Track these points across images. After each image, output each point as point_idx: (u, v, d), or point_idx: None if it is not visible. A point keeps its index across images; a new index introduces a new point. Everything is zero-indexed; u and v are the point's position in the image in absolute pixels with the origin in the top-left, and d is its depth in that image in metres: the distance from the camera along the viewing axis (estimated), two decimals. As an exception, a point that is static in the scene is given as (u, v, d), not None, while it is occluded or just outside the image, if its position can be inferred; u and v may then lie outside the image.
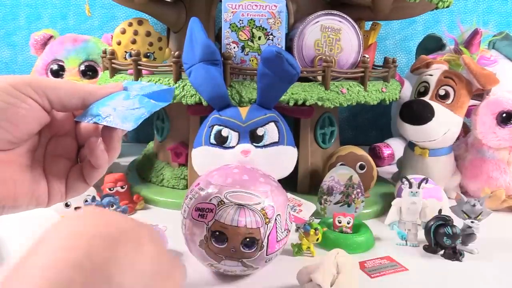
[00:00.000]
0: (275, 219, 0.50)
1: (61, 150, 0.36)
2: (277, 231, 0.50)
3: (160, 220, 0.62)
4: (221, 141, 0.67)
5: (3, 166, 0.32)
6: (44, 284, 0.21)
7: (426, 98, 0.82)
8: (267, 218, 0.49)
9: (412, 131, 0.82)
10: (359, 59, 0.77)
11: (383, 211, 0.77)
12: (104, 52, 0.84)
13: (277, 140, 0.67)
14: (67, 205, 0.65)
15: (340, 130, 0.93)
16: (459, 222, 0.63)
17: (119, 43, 0.81)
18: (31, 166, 0.34)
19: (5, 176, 0.32)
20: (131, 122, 0.34)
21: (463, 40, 0.95)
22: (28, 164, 0.34)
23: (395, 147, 1.11)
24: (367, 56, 0.77)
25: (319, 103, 0.71)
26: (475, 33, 0.92)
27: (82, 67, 1.02)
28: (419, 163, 0.85)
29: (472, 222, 0.62)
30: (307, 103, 0.71)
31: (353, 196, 0.71)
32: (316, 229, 0.61)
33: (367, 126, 1.34)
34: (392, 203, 0.68)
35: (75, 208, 0.65)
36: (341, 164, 0.76)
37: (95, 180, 0.37)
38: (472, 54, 0.92)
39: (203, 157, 0.69)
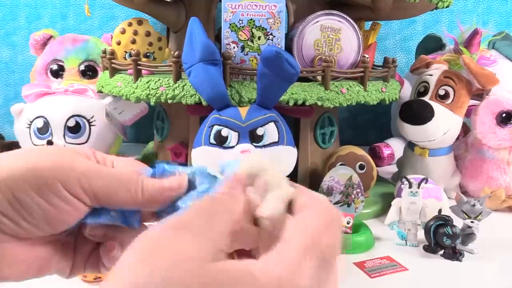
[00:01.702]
0: (275, 219, 0.50)
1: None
2: (276, 231, 0.50)
3: (160, 220, 0.62)
4: (220, 141, 0.67)
5: (33, 250, 0.28)
6: None
7: (426, 98, 0.82)
8: (267, 218, 0.49)
9: (412, 131, 0.82)
10: (358, 59, 0.77)
11: (383, 211, 0.77)
12: (104, 52, 0.84)
13: (277, 140, 0.67)
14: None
15: (340, 130, 0.93)
16: (459, 222, 0.63)
17: (118, 43, 0.81)
18: (63, 244, 0.30)
19: (33, 259, 0.28)
20: None
21: (463, 40, 0.95)
22: (61, 242, 0.30)
23: (395, 147, 1.11)
24: (367, 56, 0.77)
25: (319, 103, 0.71)
26: (475, 33, 0.92)
27: (82, 67, 1.02)
28: (419, 163, 0.85)
29: (472, 222, 0.62)
30: (307, 103, 0.71)
31: (353, 196, 0.71)
32: (316, 229, 0.61)
33: (367, 126, 1.34)
34: (392, 203, 0.68)
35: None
36: (341, 164, 0.76)
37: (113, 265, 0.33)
38: (472, 54, 0.92)
39: (203, 157, 0.68)
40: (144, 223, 0.31)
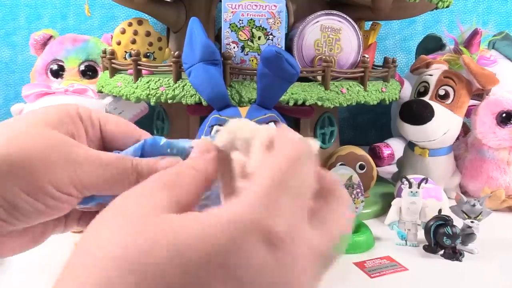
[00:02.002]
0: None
1: None
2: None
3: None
4: (221, 141, 0.67)
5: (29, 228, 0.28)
6: None
7: (426, 98, 0.82)
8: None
9: (412, 131, 0.82)
10: (359, 59, 0.77)
11: (383, 211, 0.76)
12: (104, 52, 0.84)
13: (277, 140, 0.67)
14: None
15: (340, 130, 0.93)
16: (459, 222, 0.63)
17: (118, 43, 0.81)
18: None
19: (31, 234, 0.28)
20: None
21: (463, 40, 0.95)
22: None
23: (395, 147, 1.11)
24: (367, 56, 0.77)
25: (319, 103, 0.71)
26: (475, 33, 0.92)
27: (82, 67, 1.02)
28: (419, 163, 0.85)
29: (472, 222, 0.62)
30: (307, 103, 0.71)
31: (353, 196, 0.71)
32: (316, 229, 0.61)
33: (367, 126, 1.34)
34: (392, 203, 0.68)
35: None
36: (341, 164, 0.76)
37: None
38: (472, 54, 0.92)
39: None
40: None
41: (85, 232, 0.19)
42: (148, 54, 0.82)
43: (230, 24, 0.71)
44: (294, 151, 0.21)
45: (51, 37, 1.06)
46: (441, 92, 0.82)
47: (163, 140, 0.30)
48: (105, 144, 0.30)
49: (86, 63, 1.03)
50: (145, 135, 0.31)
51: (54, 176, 0.25)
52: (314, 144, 0.24)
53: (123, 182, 0.27)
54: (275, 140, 0.23)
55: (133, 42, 0.81)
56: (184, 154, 0.29)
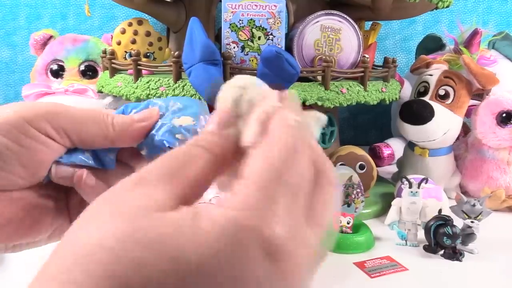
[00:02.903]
0: (275, 219, 0.50)
1: None
2: (277, 231, 0.50)
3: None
4: (221, 141, 0.67)
5: (14, 204, 0.26)
6: None
7: (426, 98, 0.82)
8: (267, 218, 0.49)
9: (412, 131, 0.82)
10: (359, 59, 0.77)
11: (383, 211, 0.76)
12: (104, 52, 0.84)
13: (277, 140, 0.67)
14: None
15: (340, 130, 0.93)
16: (459, 222, 0.63)
17: (119, 43, 0.81)
18: (55, 200, 0.29)
19: (19, 214, 0.27)
20: None
21: (463, 40, 0.95)
22: (51, 198, 0.29)
23: (395, 147, 1.11)
24: (367, 56, 0.77)
25: (319, 103, 0.71)
26: (475, 33, 0.92)
27: (82, 67, 1.02)
28: (419, 163, 0.85)
29: (472, 222, 0.62)
30: (307, 103, 0.71)
31: (353, 196, 0.71)
32: (316, 229, 0.61)
33: (367, 126, 1.34)
34: (392, 203, 0.68)
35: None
36: (341, 164, 0.76)
37: None
38: (472, 54, 0.92)
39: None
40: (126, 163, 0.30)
41: (74, 222, 0.18)
42: (148, 54, 0.82)
43: (230, 24, 0.71)
44: (290, 139, 0.19)
45: (51, 37, 1.06)
46: (441, 92, 0.82)
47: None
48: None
49: (86, 63, 1.03)
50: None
51: (29, 116, 0.25)
52: (316, 116, 0.22)
53: (100, 124, 0.27)
54: (272, 119, 0.20)
55: (133, 42, 0.81)
56: (169, 104, 0.30)
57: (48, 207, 0.28)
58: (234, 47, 0.72)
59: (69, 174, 0.28)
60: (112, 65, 0.80)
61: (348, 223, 0.65)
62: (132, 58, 0.75)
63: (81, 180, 0.27)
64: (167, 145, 0.28)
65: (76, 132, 0.27)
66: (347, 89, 0.73)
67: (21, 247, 0.28)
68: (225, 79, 0.69)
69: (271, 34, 0.72)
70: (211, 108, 0.71)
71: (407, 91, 0.98)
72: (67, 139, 0.27)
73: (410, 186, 0.66)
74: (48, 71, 1.03)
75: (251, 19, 0.71)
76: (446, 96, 0.82)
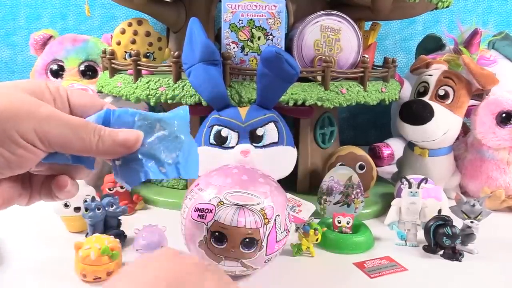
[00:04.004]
0: (275, 220, 0.50)
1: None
2: (276, 232, 0.50)
3: (160, 220, 0.62)
4: (220, 142, 0.67)
5: None
6: None
7: (426, 98, 0.82)
8: (267, 218, 0.49)
9: (412, 131, 0.82)
10: (358, 59, 0.77)
11: (383, 211, 0.77)
12: (104, 52, 0.84)
13: (276, 140, 0.67)
14: (66, 205, 0.65)
15: (340, 130, 0.93)
16: (458, 222, 0.63)
17: (118, 43, 0.81)
18: (21, 179, 0.33)
19: None
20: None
21: (463, 40, 0.95)
22: (19, 180, 0.33)
23: (394, 147, 1.11)
24: (366, 56, 0.77)
25: (319, 103, 0.71)
26: (475, 33, 0.92)
27: (82, 67, 1.02)
28: (418, 163, 0.85)
29: (471, 222, 0.62)
30: (307, 103, 0.71)
31: (353, 196, 0.71)
32: (315, 229, 0.61)
33: (367, 126, 1.34)
34: (392, 203, 0.68)
35: (74, 209, 0.65)
36: (340, 164, 0.76)
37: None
38: (472, 54, 0.92)
39: (202, 157, 0.68)
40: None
41: None
42: (148, 54, 0.82)
43: (230, 24, 0.71)
44: None
45: (51, 37, 1.06)
46: (441, 92, 0.82)
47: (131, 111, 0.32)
48: (73, 114, 0.32)
49: (86, 63, 1.03)
50: (108, 106, 0.33)
51: (21, 127, 0.27)
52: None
53: (84, 141, 0.29)
54: None
55: (133, 42, 0.81)
56: (155, 127, 0.31)
57: (16, 185, 0.32)
58: (233, 47, 0.72)
59: (45, 169, 0.32)
60: (112, 65, 0.80)
61: (347, 223, 0.65)
62: (132, 58, 0.75)
63: (63, 188, 0.32)
64: (150, 177, 0.30)
65: (61, 146, 0.29)
66: (347, 89, 0.73)
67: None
68: (225, 79, 0.69)
69: (271, 34, 0.72)
70: (210, 109, 0.71)
71: (406, 91, 0.98)
72: (51, 149, 0.29)
73: (410, 186, 0.66)
74: (48, 71, 1.03)
75: (250, 19, 0.71)
76: (445, 96, 0.82)
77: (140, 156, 0.31)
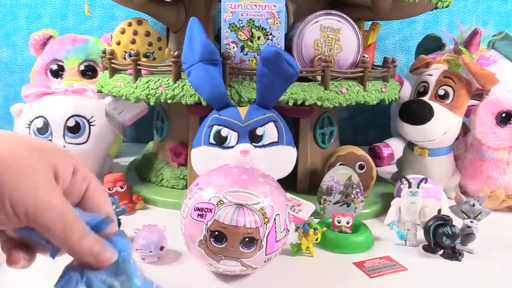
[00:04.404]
0: (274, 219, 0.50)
1: None
2: (276, 231, 0.50)
3: (160, 220, 0.62)
4: (220, 141, 0.67)
5: None
6: None
7: (426, 98, 0.82)
8: (266, 218, 0.49)
9: (412, 131, 0.82)
10: (358, 59, 0.77)
11: (383, 211, 0.77)
12: (104, 52, 0.84)
13: (276, 140, 0.67)
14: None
15: (340, 130, 0.93)
16: (458, 222, 0.63)
17: (118, 43, 0.81)
18: None
19: None
20: None
21: (463, 40, 0.95)
22: None
23: (394, 147, 1.11)
24: (366, 56, 0.77)
25: (319, 103, 0.71)
26: (475, 33, 0.92)
27: (82, 67, 1.02)
28: (418, 163, 0.85)
29: (471, 222, 0.62)
30: (307, 103, 0.71)
31: (353, 196, 0.71)
32: (315, 229, 0.61)
33: (367, 126, 1.34)
34: (392, 203, 0.68)
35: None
36: (340, 164, 0.76)
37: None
38: (472, 54, 0.92)
39: (202, 157, 0.69)
40: None
41: None
42: (147, 54, 0.82)
43: (230, 24, 0.71)
44: None
45: (50, 37, 1.06)
46: (441, 92, 0.82)
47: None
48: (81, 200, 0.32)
49: (85, 63, 1.03)
50: (110, 214, 0.32)
51: (15, 196, 0.26)
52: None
53: (66, 235, 0.28)
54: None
55: (133, 42, 0.81)
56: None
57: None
58: (233, 47, 0.72)
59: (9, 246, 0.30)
60: (112, 65, 0.80)
61: (347, 223, 0.65)
62: (131, 58, 0.75)
63: (13, 263, 0.30)
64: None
65: (44, 228, 0.28)
66: (347, 89, 0.73)
67: None
68: (225, 79, 0.69)
69: (271, 34, 0.72)
70: (210, 108, 0.71)
71: (406, 91, 0.98)
72: (32, 225, 0.28)
73: (410, 186, 0.66)
74: (48, 71, 1.03)
75: (250, 19, 0.71)
76: (445, 96, 0.82)
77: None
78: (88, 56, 1.03)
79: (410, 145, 0.88)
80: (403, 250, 0.64)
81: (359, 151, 0.79)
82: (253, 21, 0.71)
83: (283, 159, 0.68)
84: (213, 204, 0.49)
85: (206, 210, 0.49)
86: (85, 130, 0.86)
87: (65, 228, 0.28)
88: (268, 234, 0.49)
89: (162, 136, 0.88)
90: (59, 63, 1.03)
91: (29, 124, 0.86)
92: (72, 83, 0.96)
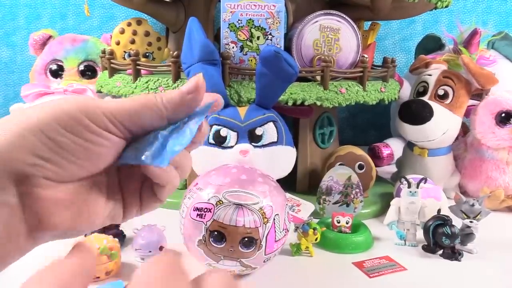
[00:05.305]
0: (274, 219, 0.50)
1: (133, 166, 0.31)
2: (275, 231, 0.50)
3: (159, 220, 0.62)
4: (219, 141, 0.67)
5: (76, 194, 0.28)
6: None
7: (425, 98, 0.82)
8: (266, 217, 0.49)
9: (411, 131, 0.82)
10: (358, 59, 0.77)
11: (382, 211, 0.76)
12: (103, 52, 0.84)
13: (275, 140, 0.67)
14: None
15: (339, 130, 0.93)
16: (458, 222, 0.63)
17: (118, 43, 0.82)
18: (107, 186, 0.30)
19: (79, 204, 0.28)
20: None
21: (462, 40, 0.95)
22: (104, 184, 0.30)
23: (394, 147, 1.11)
24: (366, 56, 0.77)
25: (318, 103, 0.71)
26: (474, 33, 0.92)
27: (81, 67, 1.02)
28: (418, 163, 0.85)
29: (471, 222, 0.62)
30: (306, 103, 0.71)
31: (352, 196, 0.71)
32: (314, 229, 0.61)
33: (366, 126, 1.34)
34: (391, 203, 0.68)
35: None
36: (340, 164, 0.76)
37: (166, 196, 0.32)
38: (471, 54, 0.92)
39: (201, 157, 0.68)
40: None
41: None
42: (147, 54, 0.82)
43: (229, 24, 0.71)
44: None
45: (50, 37, 1.06)
46: (440, 92, 0.82)
47: None
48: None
49: (85, 63, 1.03)
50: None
51: (89, 113, 0.27)
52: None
53: (152, 107, 0.29)
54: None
55: (132, 42, 0.81)
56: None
57: (101, 192, 0.30)
58: (233, 47, 0.72)
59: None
60: (111, 65, 0.80)
61: (347, 223, 0.65)
62: (131, 58, 0.75)
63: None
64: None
65: (134, 124, 0.29)
66: (346, 89, 0.73)
67: (79, 233, 0.29)
68: (224, 79, 0.69)
69: (270, 34, 0.72)
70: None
71: (406, 91, 0.98)
72: (127, 131, 0.29)
73: (409, 186, 0.66)
74: (48, 71, 1.03)
75: (250, 19, 0.71)
76: (445, 96, 0.82)
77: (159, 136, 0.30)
78: (88, 56, 1.03)
79: (409, 145, 0.88)
80: (402, 250, 0.64)
81: (358, 151, 0.79)
82: (253, 21, 0.71)
83: (282, 159, 0.68)
84: (212, 204, 0.49)
85: (205, 210, 0.49)
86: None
87: (147, 105, 0.29)
88: (267, 234, 0.49)
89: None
90: (59, 63, 1.03)
91: (29, 124, 0.86)
92: (72, 83, 0.96)
